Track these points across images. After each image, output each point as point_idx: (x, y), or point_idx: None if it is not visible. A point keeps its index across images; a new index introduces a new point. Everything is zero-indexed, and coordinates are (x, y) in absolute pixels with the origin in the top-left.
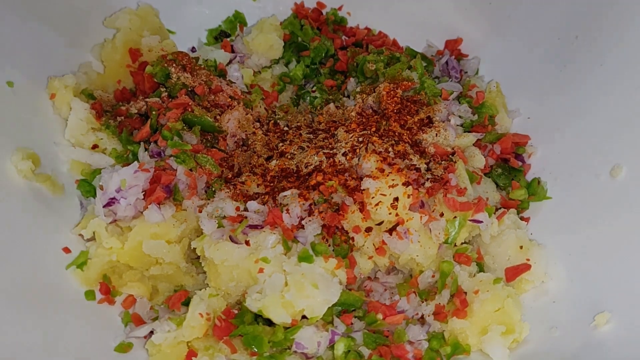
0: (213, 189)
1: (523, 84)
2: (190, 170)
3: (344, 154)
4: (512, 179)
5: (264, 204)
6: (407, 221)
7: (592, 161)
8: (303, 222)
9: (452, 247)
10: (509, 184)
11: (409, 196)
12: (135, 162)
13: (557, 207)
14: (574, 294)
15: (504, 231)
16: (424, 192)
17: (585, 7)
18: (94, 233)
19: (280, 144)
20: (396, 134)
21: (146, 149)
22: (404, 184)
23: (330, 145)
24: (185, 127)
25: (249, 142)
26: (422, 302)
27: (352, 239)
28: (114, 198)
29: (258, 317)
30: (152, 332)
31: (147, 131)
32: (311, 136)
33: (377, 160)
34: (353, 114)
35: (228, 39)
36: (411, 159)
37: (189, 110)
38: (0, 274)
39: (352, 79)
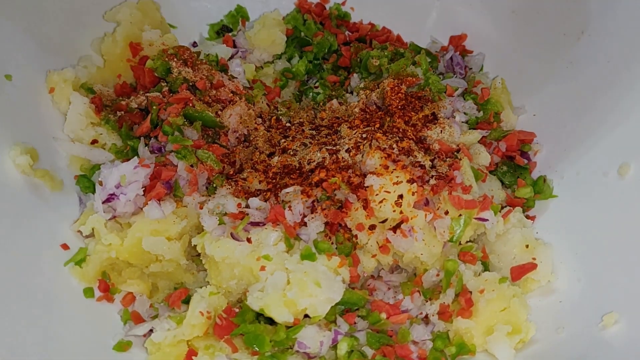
0: (214, 185)
1: (528, 80)
2: (191, 166)
3: (348, 151)
4: (518, 177)
5: (266, 201)
6: (411, 219)
7: (600, 159)
8: (306, 220)
9: (457, 246)
10: (514, 182)
11: (413, 193)
12: (135, 157)
13: (564, 205)
14: (581, 294)
15: (510, 230)
16: (428, 189)
17: (591, 3)
18: (92, 229)
19: (283, 140)
20: (400, 130)
21: (146, 145)
22: (408, 181)
23: (333, 142)
24: (186, 123)
25: (251, 138)
26: (427, 301)
27: (356, 236)
28: (113, 194)
29: (259, 316)
30: (151, 331)
31: (148, 126)
32: (314, 132)
33: (381, 157)
34: (356, 110)
35: (230, 34)
36: (416, 156)
37: (190, 105)
38: None
39: (355, 75)
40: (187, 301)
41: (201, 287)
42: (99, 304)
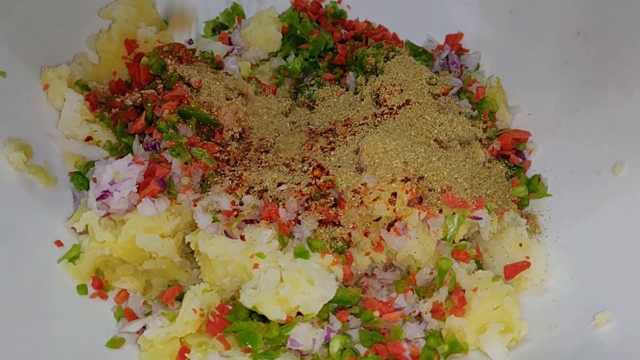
0: (208, 183)
1: (524, 79)
2: (186, 163)
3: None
4: (512, 176)
5: (260, 199)
6: (405, 217)
7: (594, 158)
8: (299, 217)
9: (451, 244)
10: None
11: (407, 192)
12: (130, 154)
13: (558, 204)
14: (574, 293)
15: (504, 228)
16: (422, 187)
17: (588, 3)
18: (86, 226)
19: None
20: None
21: (141, 142)
22: (402, 180)
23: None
24: (180, 120)
25: (246, 136)
26: (420, 299)
27: (349, 234)
28: (107, 191)
29: (252, 313)
30: (144, 328)
31: (142, 123)
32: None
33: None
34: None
35: (226, 31)
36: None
37: (185, 102)
38: None
39: (351, 73)
40: (180, 298)
41: (194, 285)
42: (92, 301)
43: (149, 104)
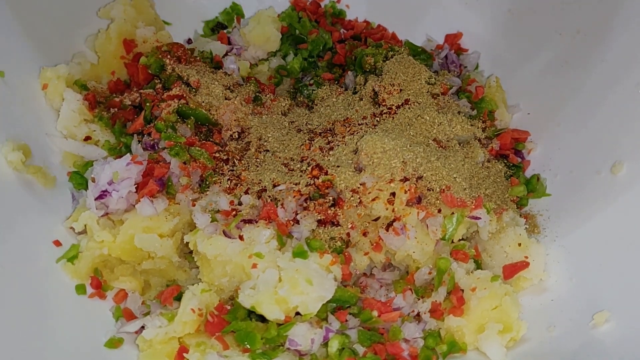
0: (207, 183)
1: (523, 79)
2: (184, 163)
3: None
4: (511, 175)
5: (258, 198)
6: (404, 217)
7: (593, 157)
8: (298, 217)
9: (450, 244)
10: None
11: (406, 191)
12: (128, 154)
13: (557, 204)
14: (573, 292)
15: (503, 228)
16: (421, 187)
17: (587, 2)
18: (85, 226)
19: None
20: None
21: (139, 141)
22: (401, 180)
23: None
24: (179, 120)
25: (244, 135)
26: (418, 299)
27: (348, 234)
28: (105, 191)
29: (251, 313)
30: (143, 328)
31: (141, 123)
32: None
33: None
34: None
35: (225, 31)
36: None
37: (184, 102)
38: None
39: (350, 73)
40: (179, 298)
41: (193, 285)
42: (90, 301)
43: (147, 104)
